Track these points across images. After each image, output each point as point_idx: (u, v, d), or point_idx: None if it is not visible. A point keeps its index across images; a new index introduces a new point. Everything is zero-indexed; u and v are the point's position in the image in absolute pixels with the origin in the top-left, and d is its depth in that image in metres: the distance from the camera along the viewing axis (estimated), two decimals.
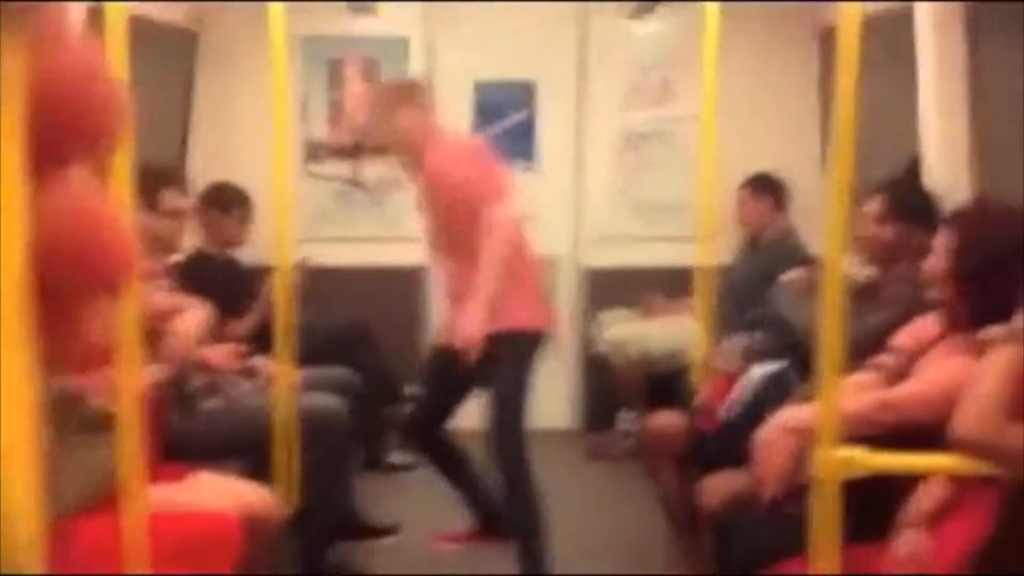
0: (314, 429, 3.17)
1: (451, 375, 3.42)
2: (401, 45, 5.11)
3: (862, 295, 3.08)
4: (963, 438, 1.91)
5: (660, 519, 3.24)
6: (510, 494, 3.27)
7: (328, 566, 3.44)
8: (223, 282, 3.97)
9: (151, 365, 2.60)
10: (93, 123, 0.37)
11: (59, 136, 0.36)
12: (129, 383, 1.99)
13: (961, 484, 2.06)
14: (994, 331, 2.01)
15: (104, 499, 2.11)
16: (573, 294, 5.28)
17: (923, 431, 2.02)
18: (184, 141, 4.86)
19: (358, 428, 3.75)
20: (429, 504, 3.71)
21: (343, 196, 5.15)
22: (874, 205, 3.08)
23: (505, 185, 3.21)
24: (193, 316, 2.76)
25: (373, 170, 5.13)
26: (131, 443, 1.98)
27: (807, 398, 2.31)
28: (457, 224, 3.22)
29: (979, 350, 2.04)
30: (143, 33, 3.96)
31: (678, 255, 4.42)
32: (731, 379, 2.85)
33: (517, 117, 5.17)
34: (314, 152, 5.15)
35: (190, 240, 3.83)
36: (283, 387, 3.04)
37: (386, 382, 4.46)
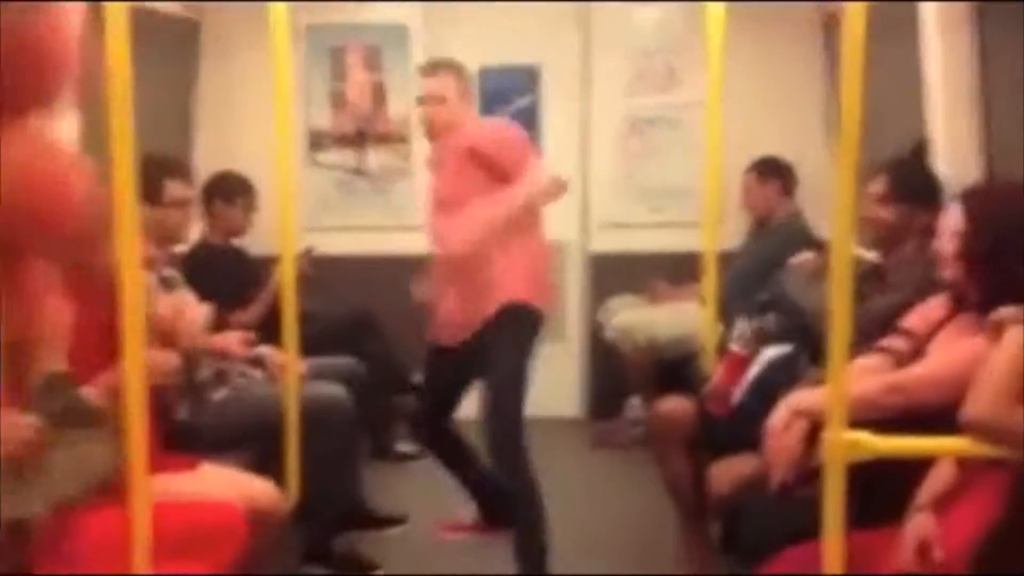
0: (319, 419, 3.17)
1: (450, 368, 3.41)
2: (403, 32, 5.09)
3: (870, 277, 3.06)
4: (974, 421, 1.90)
5: (668, 507, 3.23)
6: (506, 482, 3.23)
7: (335, 556, 3.44)
8: (227, 272, 3.97)
9: (160, 353, 2.59)
10: (44, 74, 0.36)
11: (13, 86, 0.35)
12: (133, 375, 1.98)
13: (970, 468, 2.05)
14: (1005, 312, 2.00)
15: (101, 494, 2.09)
16: (579, 280, 5.27)
17: (932, 414, 2.01)
18: (187, 131, 4.85)
19: (364, 417, 3.76)
20: (436, 493, 3.71)
21: (346, 185, 5.15)
22: (876, 186, 3.06)
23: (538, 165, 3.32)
24: (194, 311, 2.75)
25: (376, 158, 5.12)
26: (136, 434, 1.98)
27: (817, 381, 2.30)
28: (468, 201, 3.22)
29: (989, 331, 2.03)
30: (145, 24, 3.94)
31: (684, 240, 4.40)
32: (741, 363, 2.84)
33: (521, 103, 5.15)
34: (318, 141, 5.14)
35: (195, 230, 3.83)
36: (289, 377, 3.03)
37: (392, 371, 4.45)
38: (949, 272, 2.27)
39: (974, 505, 1.97)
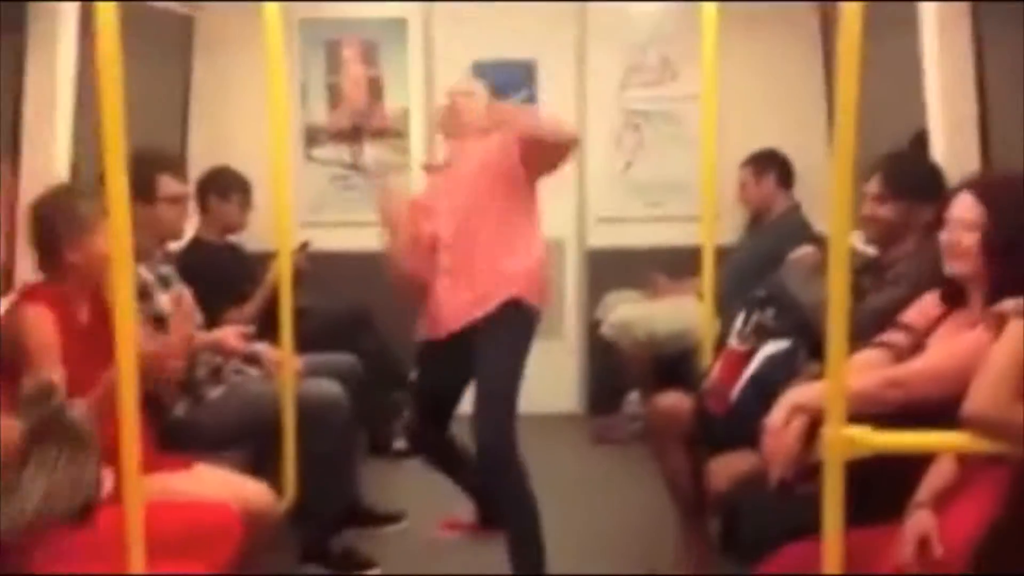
0: (316, 416, 3.16)
1: (444, 367, 3.33)
2: (399, 26, 5.08)
3: (869, 272, 3.05)
4: (974, 416, 1.88)
5: (667, 503, 3.22)
6: (496, 483, 3.15)
7: (333, 554, 3.42)
8: (223, 269, 3.95)
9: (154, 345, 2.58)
10: None
11: None
12: (126, 373, 1.96)
13: (970, 464, 2.04)
14: (1006, 304, 1.98)
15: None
16: (576, 276, 5.26)
17: (932, 409, 2.00)
18: (183, 127, 4.83)
19: (362, 414, 3.74)
20: (435, 490, 3.69)
21: (342, 180, 5.13)
22: (872, 185, 3.04)
23: None
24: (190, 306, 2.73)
25: (373, 154, 5.11)
26: (128, 433, 1.97)
27: (816, 377, 2.28)
28: (486, 200, 3.20)
29: (989, 323, 2.01)
30: (139, 19, 3.93)
31: (681, 235, 4.39)
32: (740, 359, 2.82)
33: (517, 97, 5.13)
34: (314, 136, 5.13)
35: (190, 227, 3.80)
36: (285, 374, 3.02)
37: (389, 367, 4.44)
38: (961, 265, 2.22)
39: (974, 502, 1.96)
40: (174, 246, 3.60)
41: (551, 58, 5.15)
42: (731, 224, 4.66)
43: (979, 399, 1.89)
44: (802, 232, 4.29)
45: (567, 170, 5.03)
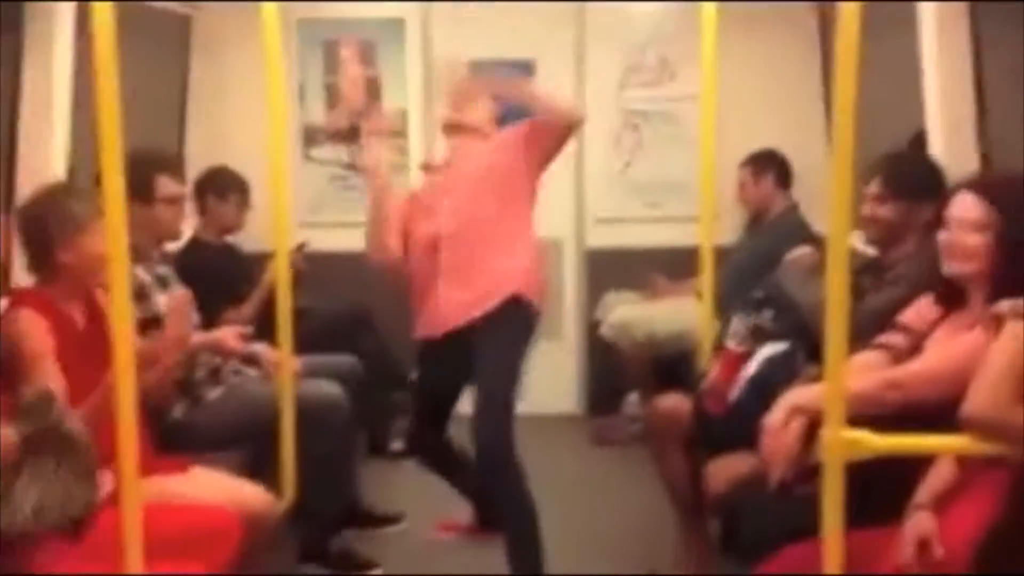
0: (315, 417, 3.15)
1: (443, 367, 3.30)
2: (397, 26, 5.07)
3: (868, 272, 3.04)
4: (973, 417, 1.88)
5: (667, 504, 3.21)
6: (494, 484, 3.12)
7: (332, 555, 3.42)
8: (221, 269, 3.94)
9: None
10: None
11: None
12: (123, 374, 1.96)
13: (969, 466, 2.03)
14: (1004, 305, 1.97)
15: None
16: (575, 276, 5.25)
17: (931, 410, 1.99)
18: (180, 127, 4.82)
19: (361, 415, 3.73)
20: (434, 491, 3.68)
21: (341, 180, 5.12)
22: (872, 186, 3.03)
23: None
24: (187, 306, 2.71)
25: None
26: (125, 435, 1.96)
27: (814, 378, 2.27)
28: (486, 200, 3.19)
29: (988, 324, 2.00)
30: (137, 19, 3.92)
31: (680, 235, 4.38)
32: (738, 360, 2.81)
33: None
34: (312, 136, 5.12)
35: (187, 227, 3.80)
36: (283, 375, 3.01)
37: (388, 367, 4.43)
38: (963, 265, 2.19)
39: (974, 504, 1.95)
40: (172, 246, 3.59)
41: (550, 58, 5.14)
42: (730, 224, 4.66)
43: (978, 400, 1.88)
44: (801, 232, 4.29)
45: (566, 170, 5.08)
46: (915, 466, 2.07)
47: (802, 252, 3.93)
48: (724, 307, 3.31)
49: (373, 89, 5.11)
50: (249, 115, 4.19)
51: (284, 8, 2.97)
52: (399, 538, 3.74)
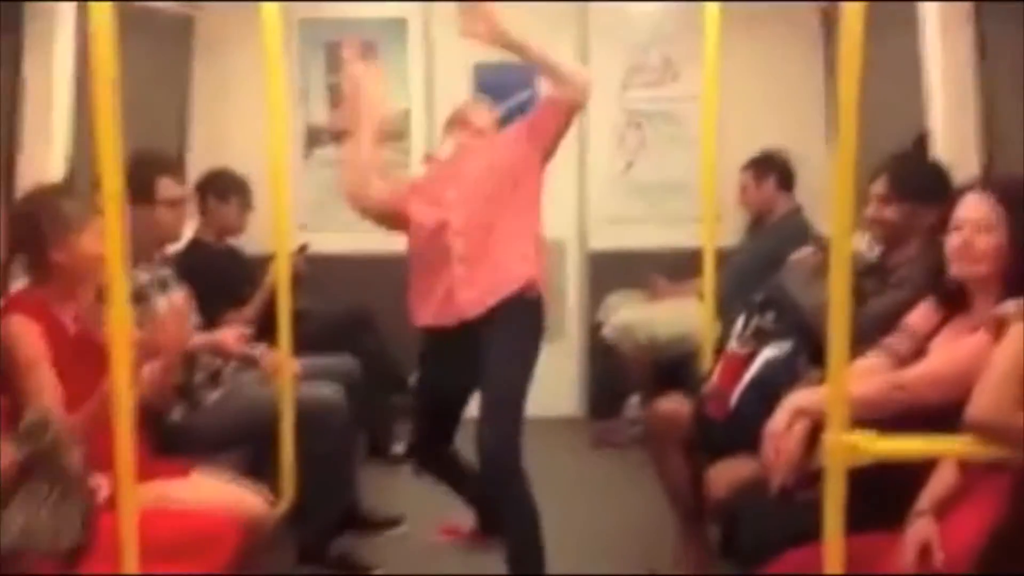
0: (315, 420, 3.14)
1: (449, 366, 3.21)
2: (399, 26, 5.06)
3: (871, 275, 3.03)
4: (977, 421, 1.86)
5: (667, 508, 3.20)
6: (499, 492, 3.04)
7: (331, 558, 3.41)
8: (222, 271, 3.94)
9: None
10: None
11: None
12: (120, 378, 1.95)
13: (972, 471, 2.02)
14: (1007, 307, 1.96)
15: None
16: (577, 277, 5.24)
17: (934, 414, 1.98)
18: (182, 128, 4.82)
19: (361, 417, 3.72)
20: (434, 494, 3.67)
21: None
22: (878, 186, 3.02)
23: None
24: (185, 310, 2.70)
25: None
26: (123, 439, 1.95)
27: (817, 382, 2.26)
28: (497, 193, 3.14)
29: (990, 326, 1.98)
30: (138, 20, 3.92)
31: (683, 236, 4.37)
32: (740, 362, 2.79)
33: (520, 98, 5.11)
34: (315, 137, 5.11)
35: (189, 229, 3.79)
36: (283, 377, 3.00)
37: (389, 369, 4.42)
38: (974, 268, 2.16)
39: (976, 509, 1.94)
40: (173, 248, 3.58)
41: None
42: (732, 226, 4.64)
43: (982, 403, 1.87)
44: (803, 234, 4.26)
45: (568, 171, 5.07)
46: (917, 471, 2.06)
47: (805, 253, 3.92)
48: (726, 309, 3.31)
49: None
50: (251, 117, 4.18)
51: (286, 9, 2.96)
52: (399, 541, 3.72)
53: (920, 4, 3.28)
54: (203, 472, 2.69)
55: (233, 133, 4.74)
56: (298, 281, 3.66)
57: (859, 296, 2.77)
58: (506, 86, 5.07)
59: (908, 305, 2.42)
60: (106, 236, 1.95)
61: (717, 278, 3.42)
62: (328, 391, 3.37)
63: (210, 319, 3.38)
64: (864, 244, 3.20)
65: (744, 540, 2.37)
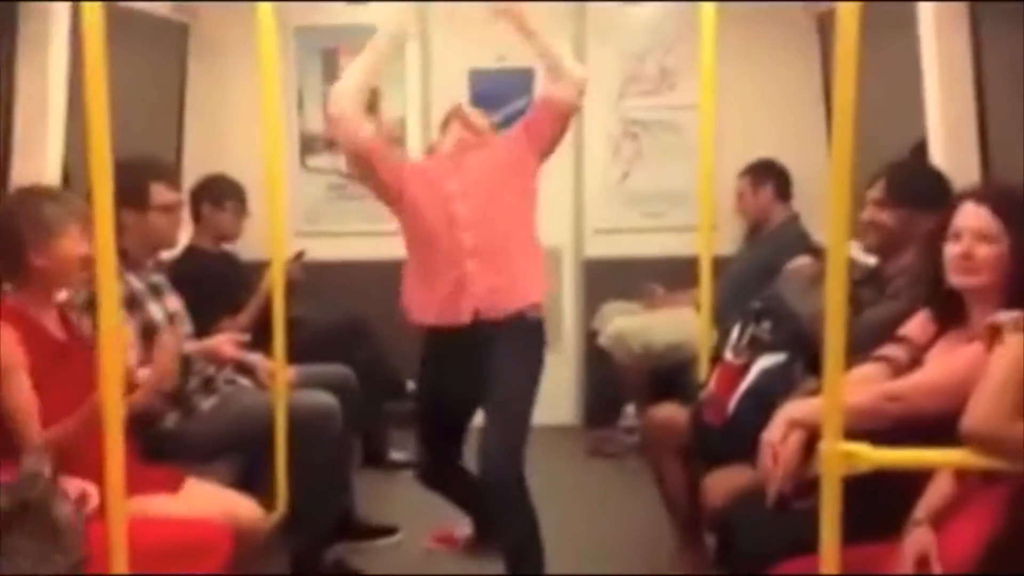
0: (309, 428, 3.12)
1: (452, 370, 3.15)
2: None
3: (868, 284, 3.02)
4: (974, 432, 1.85)
5: (664, 516, 3.19)
6: (501, 505, 3.00)
7: (325, 566, 3.38)
8: (217, 278, 3.92)
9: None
10: None
11: None
12: (110, 388, 1.93)
13: (968, 481, 2.01)
14: (1002, 317, 1.95)
15: None
16: (573, 286, 5.22)
17: (931, 424, 1.97)
18: (178, 134, 4.81)
19: (356, 425, 3.70)
20: (429, 502, 3.65)
21: (339, 189, 5.10)
22: (875, 191, 3.01)
23: None
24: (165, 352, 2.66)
25: None
26: (112, 448, 1.93)
27: (813, 391, 2.25)
28: (501, 194, 3.12)
29: (985, 336, 1.97)
30: (134, 26, 3.91)
31: (679, 245, 4.36)
32: (736, 371, 2.79)
33: (516, 105, 5.11)
34: (310, 144, 5.10)
35: (183, 235, 3.77)
36: (278, 385, 2.99)
37: (385, 377, 4.41)
38: (973, 278, 2.15)
39: (973, 519, 1.93)
40: (168, 254, 3.57)
41: None
42: (729, 235, 4.64)
43: (978, 413, 1.85)
44: (800, 242, 4.26)
45: (564, 180, 5.07)
46: (914, 481, 2.05)
47: (801, 262, 3.91)
48: (722, 318, 3.30)
49: (372, 97, 5.08)
50: (246, 123, 4.18)
51: (282, 16, 2.95)
52: (394, 550, 3.70)
53: (916, 4, 3.27)
54: (196, 480, 2.68)
55: (229, 139, 4.74)
56: (294, 288, 3.65)
57: (855, 305, 2.77)
58: (501, 92, 5.07)
59: (905, 316, 2.41)
60: (96, 242, 1.93)
61: (713, 287, 3.41)
62: (322, 399, 3.36)
63: (205, 325, 3.36)
64: (859, 253, 3.19)
65: (741, 549, 2.35)
